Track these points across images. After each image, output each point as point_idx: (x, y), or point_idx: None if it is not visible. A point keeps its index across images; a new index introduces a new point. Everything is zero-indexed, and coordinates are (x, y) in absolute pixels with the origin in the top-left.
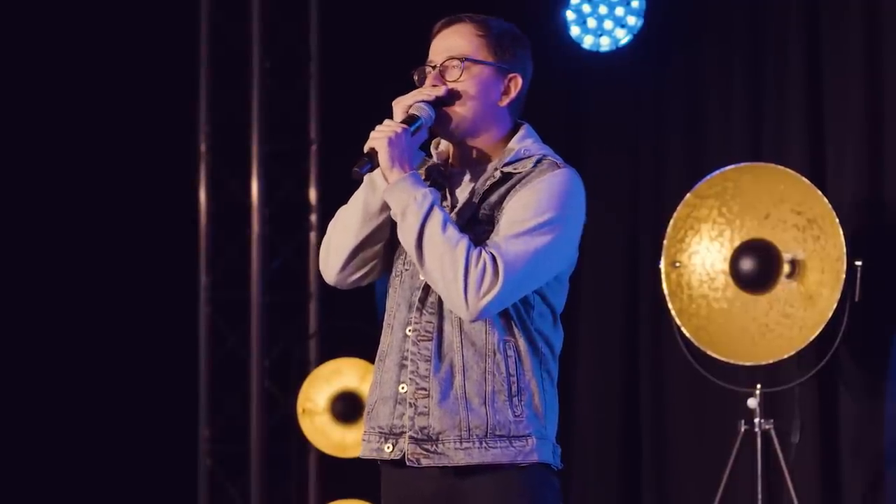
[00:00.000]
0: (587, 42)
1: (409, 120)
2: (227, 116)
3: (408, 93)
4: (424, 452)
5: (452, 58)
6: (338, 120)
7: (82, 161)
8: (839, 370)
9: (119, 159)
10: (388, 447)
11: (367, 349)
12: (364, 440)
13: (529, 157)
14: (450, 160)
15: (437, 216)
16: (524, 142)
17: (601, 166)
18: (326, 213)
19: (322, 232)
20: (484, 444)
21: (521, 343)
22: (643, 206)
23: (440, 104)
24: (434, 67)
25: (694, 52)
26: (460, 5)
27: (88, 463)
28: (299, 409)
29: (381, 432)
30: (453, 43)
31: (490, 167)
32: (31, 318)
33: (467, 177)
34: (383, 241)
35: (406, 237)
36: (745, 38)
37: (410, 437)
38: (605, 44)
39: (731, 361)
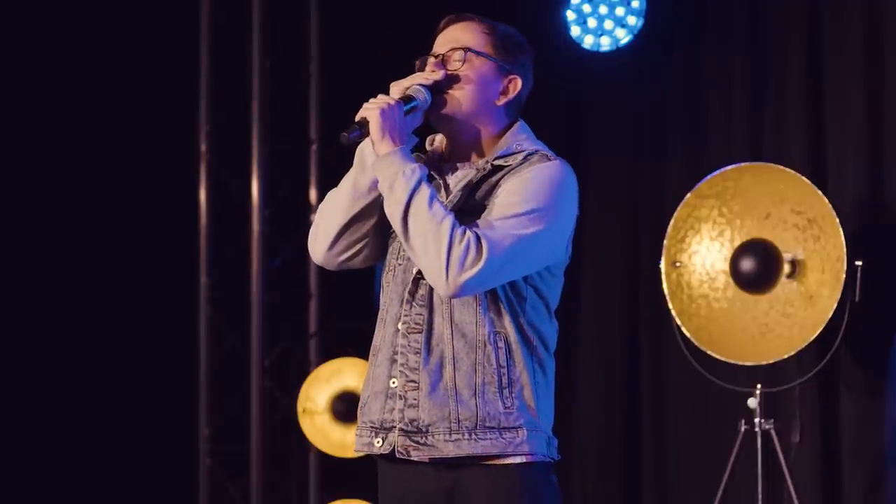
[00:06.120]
0: (587, 42)
1: (405, 99)
2: (227, 116)
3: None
4: (414, 445)
5: (455, 48)
6: (338, 120)
7: (83, 161)
8: (839, 370)
9: (119, 159)
10: (378, 441)
11: (366, 349)
12: (357, 435)
13: (521, 151)
14: (443, 156)
15: (425, 191)
16: (518, 136)
17: (601, 166)
18: None
19: None
20: (474, 436)
21: (512, 335)
22: (643, 206)
23: (438, 89)
24: (437, 57)
25: (694, 52)
26: (461, 5)
27: (88, 463)
28: (299, 409)
29: (372, 427)
30: (458, 35)
31: (482, 161)
32: (31, 318)
33: (461, 171)
34: (372, 222)
35: (392, 210)
36: (745, 38)
37: (400, 430)
38: (605, 44)
39: (732, 361)
